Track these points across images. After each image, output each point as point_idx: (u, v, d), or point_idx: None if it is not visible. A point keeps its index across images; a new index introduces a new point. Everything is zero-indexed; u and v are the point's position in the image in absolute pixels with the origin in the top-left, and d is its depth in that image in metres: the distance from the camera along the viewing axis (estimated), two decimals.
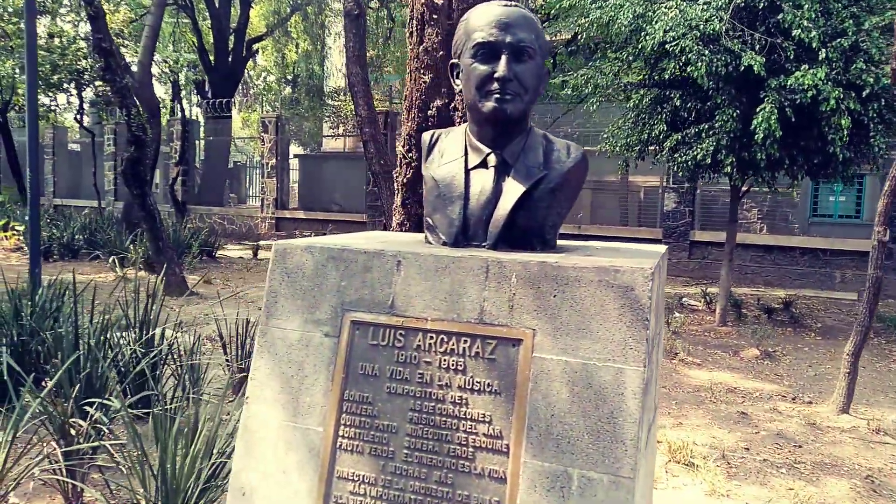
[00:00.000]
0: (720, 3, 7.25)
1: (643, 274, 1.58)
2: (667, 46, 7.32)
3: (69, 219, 14.85)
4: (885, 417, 5.48)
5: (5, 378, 3.83)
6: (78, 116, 18.96)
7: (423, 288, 1.78)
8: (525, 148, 1.95)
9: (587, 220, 14.54)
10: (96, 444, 3.23)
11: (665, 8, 7.25)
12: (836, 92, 6.85)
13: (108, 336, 4.17)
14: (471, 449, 1.66)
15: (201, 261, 12.81)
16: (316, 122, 20.74)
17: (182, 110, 17.53)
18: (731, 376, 6.66)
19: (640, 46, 7.76)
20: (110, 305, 4.81)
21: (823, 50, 6.83)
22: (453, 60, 2.04)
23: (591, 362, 1.59)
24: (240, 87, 23.86)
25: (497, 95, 1.86)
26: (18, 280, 5.82)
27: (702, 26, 7.09)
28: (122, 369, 4.22)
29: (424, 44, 3.52)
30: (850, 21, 7.00)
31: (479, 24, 1.90)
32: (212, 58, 20.55)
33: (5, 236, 13.75)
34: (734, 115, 7.39)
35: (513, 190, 1.87)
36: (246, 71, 24.21)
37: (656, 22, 7.28)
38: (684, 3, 7.24)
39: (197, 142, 20.30)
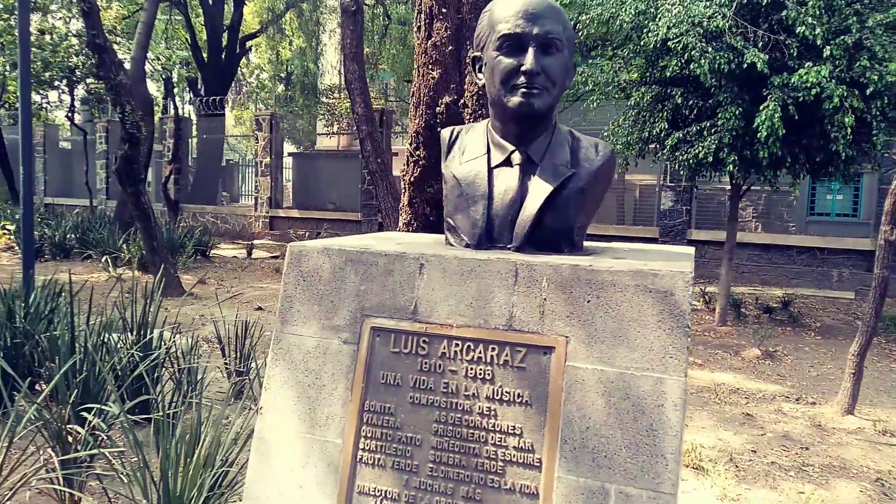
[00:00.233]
0: (723, 0, 7.19)
1: (683, 278, 1.50)
2: (669, 43, 7.26)
3: (61, 218, 14.68)
4: (890, 419, 5.43)
5: None
6: (69, 114, 18.75)
7: (448, 292, 1.69)
8: (551, 145, 1.87)
9: None
10: (95, 451, 3.12)
11: (668, 4, 7.18)
12: (840, 90, 6.79)
13: (106, 339, 4.06)
14: (500, 463, 1.57)
15: (195, 260, 12.67)
16: (310, 119, 20.60)
17: (176, 108, 17.31)
18: (733, 377, 6.61)
19: (642, 43, 7.69)
20: (105, 307, 4.71)
21: (828, 47, 6.78)
22: (475, 53, 1.95)
23: (628, 372, 1.50)
24: (233, 84, 23.67)
25: (524, 90, 1.77)
26: (11, 281, 5.70)
27: (705, 23, 7.02)
28: (120, 373, 4.11)
29: (433, 38, 3.43)
30: (854, 18, 6.94)
31: (504, 14, 1.81)
32: (205, 55, 20.37)
33: None
34: (737, 112, 7.33)
35: (540, 189, 1.79)
36: (239, 68, 24.03)
37: (660, 18, 7.21)
38: (688, 0, 7.17)
39: (190, 140, 20.11)
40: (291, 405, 1.77)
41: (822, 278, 12.32)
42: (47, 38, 14.72)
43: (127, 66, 10.08)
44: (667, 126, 8.12)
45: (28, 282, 5.70)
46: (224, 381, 5.19)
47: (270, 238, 17.53)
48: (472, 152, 1.93)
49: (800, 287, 11.78)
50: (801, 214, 13.49)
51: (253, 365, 4.99)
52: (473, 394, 1.62)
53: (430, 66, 3.47)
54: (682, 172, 8.75)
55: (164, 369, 4.51)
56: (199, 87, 22.32)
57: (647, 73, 8.37)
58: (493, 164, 1.88)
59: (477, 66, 1.96)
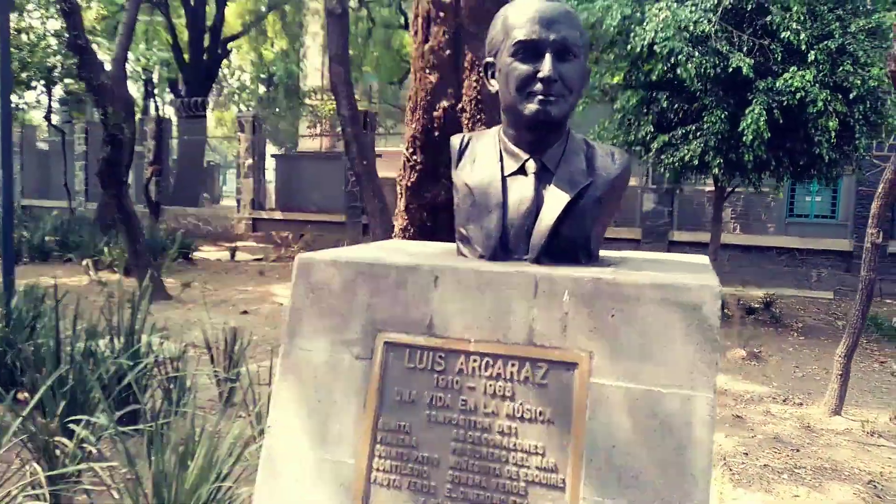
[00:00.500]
0: (708, 5, 7.23)
1: (711, 291, 1.47)
2: (655, 47, 7.29)
3: (39, 220, 14.40)
4: (877, 419, 5.48)
5: None
6: (47, 115, 18.41)
7: (465, 306, 1.64)
8: (566, 153, 1.83)
9: None
10: (85, 466, 3.02)
11: (656, 9, 7.20)
12: (824, 94, 6.87)
13: (94, 347, 3.95)
14: (522, 483, 1.53)
15: (178, 263, 12.49)
16: (293, 121, 20.43)
17: (157, 109, 17.07)
18: (720, 378, 6.63)
19: (628, 48, 7.72)
20: (87, 311, 4.59)
21: (812, 52, 6.84)
22: (488, 59, 1.90)
23: (655, 389, 1.47)
24: (214, 86, 23.40)
25: (540, 97, 1.73)
26: None
27: (691, 27, 7.06)
28: (107, 382, 4.00)
29: (430, 43, 3.38)
30: (837, 24, 7.03)
31: (519, 20, 1.77)
32: (186, 56, 20.12)
33: None
34: (722, 116, 7.38)
35: (557, 199, 1.74)
36: (220, 70, 23.77)
37: (647, 23, 7.24)
38: (675, 5, 7.20)
39: (170, 141, 19.86)
40: (301, 423, 1.71)
41: (801, 279, 12.45)
42: (24, 37, 14.42)
43: (108, 66, 9.90)
44: (652, 129, 8.15)
45: (9, 287, 5.56)
46: (213, 387, 5.09)
47: (254, 240, 17.35)
48: (484, 160, 1.88)
49: (780, 287, 11.89)
50: (781, 216, 13.64)
51: (243, 370, 4.90)
52: (493, 411, 1.58)
53: (427, 71, 3.42)
54: (667, 175, 8.79)
55: (152, 378, 4.41)
56: (179, 87, 22.05)
57: (633, 77, 8.39)
58: (506, 173, 1.84)
59: (489, 73, 1.91)
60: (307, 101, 18.65)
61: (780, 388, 6.45)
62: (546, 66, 1.71)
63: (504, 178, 1.83)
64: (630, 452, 1.46)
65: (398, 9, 17.32)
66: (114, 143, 8.57)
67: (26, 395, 4.32)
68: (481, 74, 3.52)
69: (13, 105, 16.85)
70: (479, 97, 3.33)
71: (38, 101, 20.13)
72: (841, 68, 6.93)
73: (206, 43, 20.30)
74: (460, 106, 3.39)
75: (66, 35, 9.80)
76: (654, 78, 7.69)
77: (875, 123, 7.40)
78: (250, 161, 17.58)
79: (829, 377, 6.40)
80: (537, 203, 1.77)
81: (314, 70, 21.22)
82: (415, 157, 3.47)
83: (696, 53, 7.12)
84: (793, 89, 6.86)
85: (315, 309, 1.75)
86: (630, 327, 1.51)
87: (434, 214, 3.47)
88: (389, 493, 1.61)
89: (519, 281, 1.61)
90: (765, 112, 7.00)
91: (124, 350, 4.11)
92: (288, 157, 20.41)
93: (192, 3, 19.64)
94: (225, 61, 23.96)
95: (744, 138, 7.10)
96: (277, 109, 19.34)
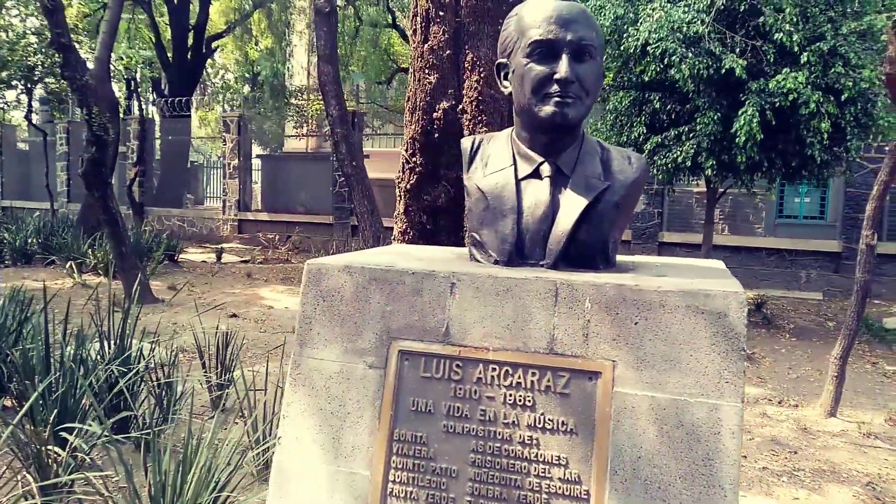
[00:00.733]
0: (701, 6, 7.24)
1: (737, 299, 1.43)
2: (648, 48, 7.28)
3: (21, 221, 14.16)
4: (872, 421, 5.50)
5: None
6: (28, 114, 18.12)
7: (483, 313, 1.59)
8: (581, 156, 1.79)
9: None
10: (80, 476, 2.94)
11: (650, 9, 7.20)
12: (816, 95, 6.89)
13: (84, 353, 3.85)
14: (545, 495, 1.48)
15: (164, 266, 12.33)
16: (279, 121, 20.27)
17: (141, 109, 16.83)
18: None
19: (621, 48, 7.71)
20: (72, 315, 4.49)
21: (805, 53, 6.87)
22: (501, 60, 1.86)
23: (681, 398, 1.43)
24: (198, 85, 23.17)
25: (557, 99, 1.68)
26: None
27: (684, 28, 7.06)
28: (98, 389, 3.91)
29: (430, 42, 3.33)
30: (828, 25, 7.05)
31: (534, 20, 1.72)
32: (170, 55, 19.89)
33: None
34: (715, 117, 7.39)
35: (574, 203, 1.70)
36: (204, 69, 23.54)
37: (641, 24, 7.23)
38: (669, 5, 7.20)
39: (153, 141, 19.62)
40: (313, 434, 1.65)
41: (790, 279, 12.53)
42: (3, 35, 14.18)
43: (90, 65, 9.74)
44: (645, 130, 8.15)
45: None
46: (204, 393, 5.01)
47: (239, 241, 17.19)
48: (497, 163, 1.84)
49: (769, 288, 11.95)
50: (770, 217, 13.71)
51: (237, 374, 4.83)
52: (513, 422, 1.53)
53: (426, 71, 3.36)
54: (659, 177, 8.80)
55: (143, 384, 4.32)
56: (162, 87, 21.80)
57: (625, 78, 8.39)
58: (520, 176, 1.79)
59: (502, 74, 1.86)
60: (293, 100, 18.51)
61: (775, 389, 6.46)
62: (563, 67, 1.67)
63: (518, 182, 1.79)
64: (656, 463, 1.42)
65: (386, 7, 17.23)
66: (99, 144, 8.43)
67: (13, 402, 4.22)
68: (483, 75, 3.48)
69: None
70: (480, 98, 3.28)
71: (18, 101, 19.83)
72: (833, 70, 6.96)
73: (191, 42, 20.09)
74: (461, 107, 3.34)
75: (48, 33, 9.64)
76: (646, 79, 7.69)
77: (865, 125, 7.44)
78: (236, 161, 17.42)
79: (822, 378, 6.42)
80: (553, 207, 1.73)
81: (301, 69, 21.09)
82: (414, 159, 3.41)
83: (690, 54, 7.12)
84: (785, 91, 6.88)
85: (326, 317, 1.69)
86: (655, 335, 1.47)
87: (434, 217, 3.41)
88: None
89: (539, 287, 1.56)
90: (757, 113, 7.01)
91: (116, 356, 4.01)
92: (274, 157, 20.25)
93: (176, 1, 19.43)
94: (209, 60, 23.74)
95: (737, 140, 7.11)
96: (263, 109, 19.16)
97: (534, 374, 1.54)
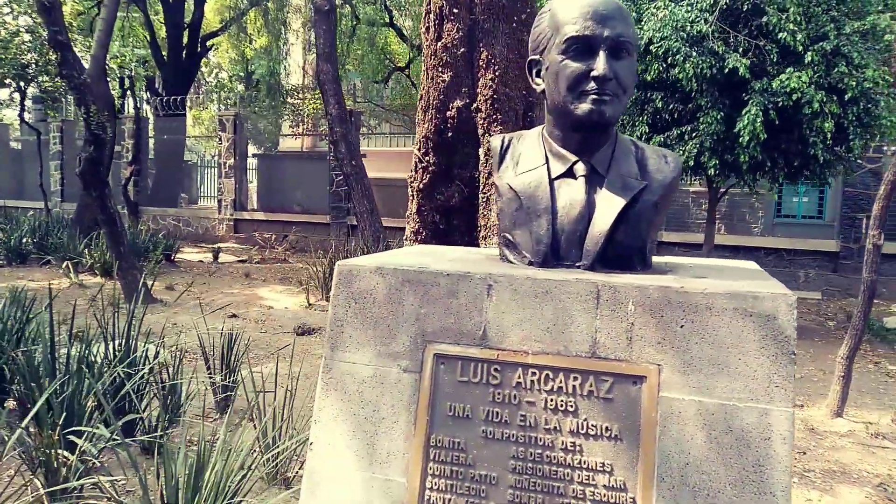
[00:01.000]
0: (704, 5, 7.22)
1: (786, 301, 1.40)
2: (651, 47, 7.26)
3: (15, 221, 14.04)
4: (879, 421, 5.49)
5: None
6: (21, 113, 17.97)
7: (521, 316, 1.55)
8: (615, 155, 1.75)
9: None
10: (91, 479, 2.88)
11: (654, 8, 7.18)
12: (819, 95, 6.89)
13: (90, 356, 3.79)
14: (589, 503, 1.45)
15: (161, 265, 12.24)
16: (274, 120, 20.17)
17: (137, 108, 16.72)
18: None
19: None
20: (69, 315, 4.41)
21: (808, 53, 6.86)
22: (533, 57, 1.82)
23: (730, 403, 1.39)
24: (192, 84, 23.03)
25: (594, 96, 1.64)
26: None
27: (688, 27, 7.04)
28: (103, 391, 3.85)
29: (443, 40, 3.29)
30: (831, 25, 7.05)
31: (570, 15, 1.68)
32: (164, 53, 19.77)
33: None
34: (718, 117, 7.37)
35: (611, 203, 1.66)
36: (199, 68, 23.40)
37: (645, 23, 7.20)
38: (672, 4, 7.18)
39: (148, 140, 19.51)
40: (346, 440, 1.61)
41: (789, 279, 12.54)
42: None
43: (86, 64, 9.65)
44: (647, 130, 8.12)
45: None
46: (209, 394, 4.95)
47: (235, 241, 17.10)
48: (529, 163, 1.80)
49: None
50: (768, 216, 13.73)
51: (245, 374, 4.78)
52: (555, 427, 1.49)
53: (439, 69, 3.32)
54: None
55: (149, 385, 4.27)
56: (157, 86, 21.66)
57: None
58: (553, 176, 1.76)
59: (534, 71, 1.82)
60: (289, 99, 18.42)
61: None
62: (600, 65, 1.63)
63: (551, 181, 1.75)
64: (705, 470, 1.39)
65: (383, 6, 17.17)
66: (97, 143, 8.35)
67: (14, 404, 4.16)
68: (497, 73, 3.44)
69: None
70: (494, 96, 3.24)
71: (11, 99, 19.66)
72: (836, 70, 6.96)
73: (185, 40, 19.97)
74: (475, 105, 3.30)
75: (43, 31, 9.54)
76: (649, 78, 7.66)
77: (868, 125, 7.44)
78: (232, 161, 17.32)
79: (825, 378, 6.41)
80: (589, 207, 1.69)
81: (297, 68, 21.00)
82: (427, 158, 3.37)
83: (693, 53, 7.10)
84: (788, 90, 6.87)
85: (358, 319, 1.65)
86: (701, 338, 1.44)
87: (448, 217, 3.37)
88: None
89: (579, 289, 1.53)
90: (761, 113, 7.00)
91: (121, 357, 3.96)
92: (270, 156, 20.15)
93: None
94: (204, 59, 23.62)
95: (740, 139, 7.10)
96: (258, 108, 19.07)
97: (575, 378, 1.50)
